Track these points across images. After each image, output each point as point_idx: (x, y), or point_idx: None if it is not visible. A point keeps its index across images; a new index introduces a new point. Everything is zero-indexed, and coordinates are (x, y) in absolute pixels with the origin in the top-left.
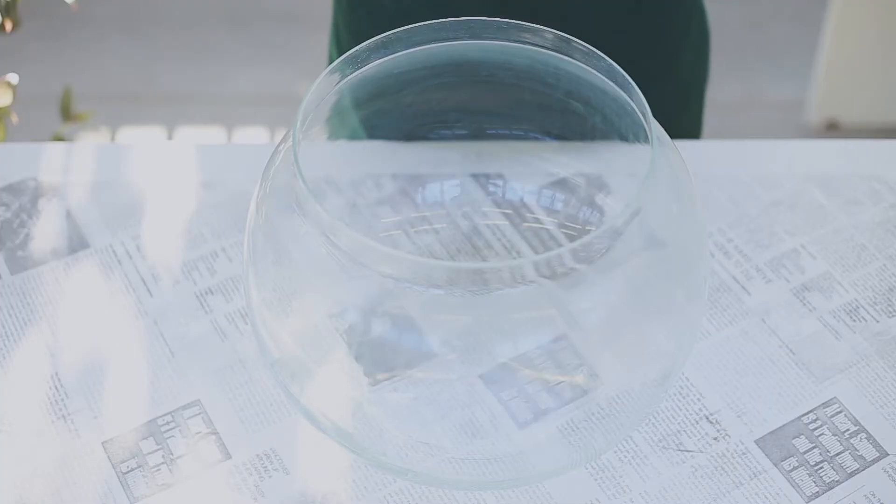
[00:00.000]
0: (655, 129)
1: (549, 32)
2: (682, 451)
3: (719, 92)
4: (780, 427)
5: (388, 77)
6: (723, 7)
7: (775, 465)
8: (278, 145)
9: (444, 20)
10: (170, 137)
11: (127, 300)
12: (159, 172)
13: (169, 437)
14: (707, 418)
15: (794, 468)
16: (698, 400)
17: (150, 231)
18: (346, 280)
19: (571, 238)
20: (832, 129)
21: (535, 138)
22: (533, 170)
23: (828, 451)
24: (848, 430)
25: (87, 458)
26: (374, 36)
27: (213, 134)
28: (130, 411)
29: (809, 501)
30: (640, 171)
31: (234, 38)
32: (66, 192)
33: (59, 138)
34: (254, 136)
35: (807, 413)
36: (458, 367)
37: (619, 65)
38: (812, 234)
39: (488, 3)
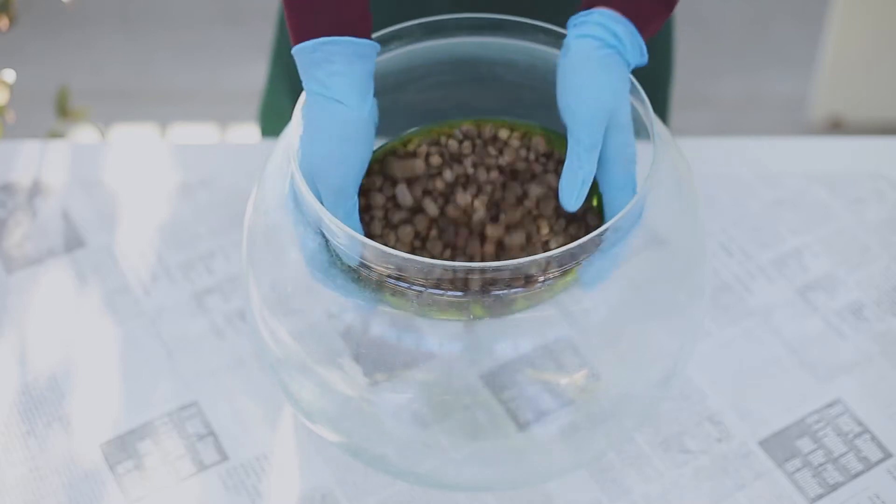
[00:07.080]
0: (657, 126)
1: (550, 30)
2: (684, 452)
3: (722, 90)
4: (783, 428)
5: (387, 75)
6: (725, 5)
7: (779, 466)
8: (276, 143)
9: (443, 17)
10: (166, 135)
11: (123, 300)
12: (156, 171)
13: (167, 439)
14: (709, 419)
15: (798, 469)
16: (701, 401)
17: (146, 230)
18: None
19: None
20: (836, 127)
21: None
22: None
23: (831, 453)
24: (852, 430)
25: (84, 460)
26: None
27: (209, 131)
28: (127, 412)
29: (813, 503)
30: (641, 170)
31: (231, 36)
32: (62, 190)
33: (55, 135)
34: (250, 133)
35: (810, 414)
36: (458, 367)
37: None
38: (815, 233)
39: (458, 4)
